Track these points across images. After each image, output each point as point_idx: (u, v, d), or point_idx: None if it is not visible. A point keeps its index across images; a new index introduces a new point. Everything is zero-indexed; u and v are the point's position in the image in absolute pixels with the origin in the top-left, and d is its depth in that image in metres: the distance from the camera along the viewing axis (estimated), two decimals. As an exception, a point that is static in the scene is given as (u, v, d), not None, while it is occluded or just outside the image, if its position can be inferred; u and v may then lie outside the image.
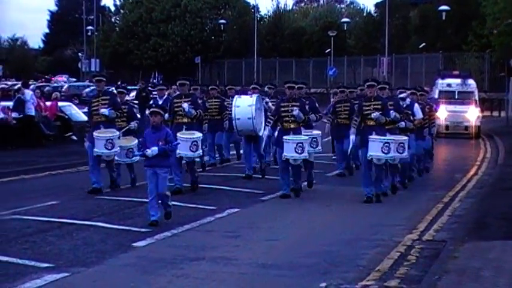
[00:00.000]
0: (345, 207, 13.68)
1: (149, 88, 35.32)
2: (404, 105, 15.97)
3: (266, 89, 18.95)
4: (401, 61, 56.81)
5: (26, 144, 22.21)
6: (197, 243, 10.26)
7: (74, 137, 23.77)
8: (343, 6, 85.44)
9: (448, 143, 28.47)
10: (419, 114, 16.57)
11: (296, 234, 11.30)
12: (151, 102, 18.40)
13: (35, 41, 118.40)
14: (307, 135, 14.87)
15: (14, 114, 22.52)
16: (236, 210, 12.99)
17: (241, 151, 18.58)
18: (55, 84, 54.12)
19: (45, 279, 8.24)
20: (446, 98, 32.47)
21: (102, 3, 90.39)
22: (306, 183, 15.42)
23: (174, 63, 68.83)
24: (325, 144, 18.86)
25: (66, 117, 25.33)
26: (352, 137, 14.11)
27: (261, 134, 16.68)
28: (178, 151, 13.90)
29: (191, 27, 70.07)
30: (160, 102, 16.70)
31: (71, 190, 14.58)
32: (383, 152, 13.68)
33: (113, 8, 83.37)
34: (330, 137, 19.27)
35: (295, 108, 14.22)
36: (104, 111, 14.38)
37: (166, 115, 14.91)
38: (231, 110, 16.69)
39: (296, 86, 15.13)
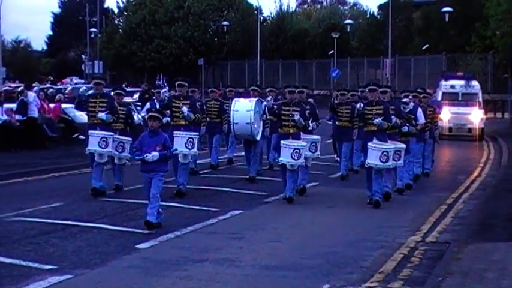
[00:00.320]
0: (348, 209, 13.67)
1: (152, 90, 35.29)
2: (408, 110, 15.89)
3: (268, 91, 18.75)
4: (405, 63, 56.80)
5: (29, 146, 22.24)
6: (200, 244, 10.27)
7: (82, 136, 23.74)
8: (346, 7, 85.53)
9: (451, 145, 28.45)
10: (422, 119, 16.50)
11: (299, 235, 11.30)
12: (149, 105, 18.27)
13: (39, 43, 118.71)
14: (306, 139, 14.61)
15: (17, 117, 22.55)
16: (239, 212, 12.99)
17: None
18: (60, 86, 54.13)
19: (49, 281, 8.24)
20: (450, 100, 32.25)
21: (106, 5, 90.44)
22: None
23: (177, 65, 68.84)
24: (327, 146, 18.87)
25: (70, 119, 25.33)
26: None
27: (258, 139, 16.69)
28: (174, 147, 13.53)
29: (194, 29, 70.08)
30: (158, 105, 16.55)
31: (74, 192, 14.58)
32: (381, 161, 13.55)
33: (116, 10, 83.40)
34: (332, 140, 19.23)
35: (296, 113, 14.05)
36: (102, 115, 14.26)
37: (167, 119, 14.87)
38: (229, 113, 16.59)
39: (297, 90, 14.99)
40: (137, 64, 71.94)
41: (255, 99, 16.67)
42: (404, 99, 16.22)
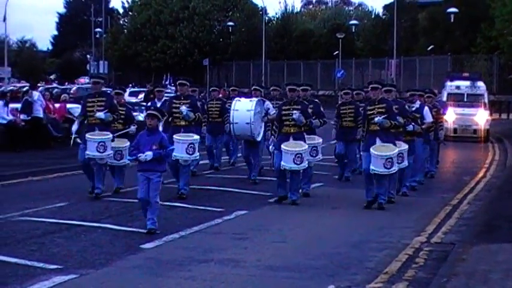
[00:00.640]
0: (353, 210, 13.64)
1: (157, 89, 35.28)
2: (414, 108, 15.79)
3: (271, 90, 18.64)
4: (410, 63, 56.73)
5: (34, 146, 22.26)
6: (205, 245, 10.27)
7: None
8: (351, 8, 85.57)
9: (456, 146, 28.39)
10: (429, 118, 16.27)
11: (304, 236, 11.30)
12: (149, 104, 18.18)
13: (44, 43, 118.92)
14: (308, 143, 14.20)
15: (22, 116, 22.57)
16: (244, 212, 12.99)
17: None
18: (68, 86, 54.22)
19: (54, 281, 8.26)
20: (455, 101, 32.00)
21: (111, 6, 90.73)
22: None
23: (182, 65, 68.91)
24: (331, 147, 18.82)
25: (75, 119, 25.31)
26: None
27: (259, 140, 16.46)
28: (174, 153, 13.41)
29: (199, 30, 70.15)
30: (158, 104, 16.46)
31: (79, 192, 14.56)
32: (385, 168, 13.29)
33: (121, 10, 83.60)
34: (336, 140, 19.04)
35: (295, 111, 13.73)
36: (100, 114, 13.84)
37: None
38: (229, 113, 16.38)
39: (300, 89, 14.77)
40: (142, 64, 72.06)
41: (256, 99, 16.48)
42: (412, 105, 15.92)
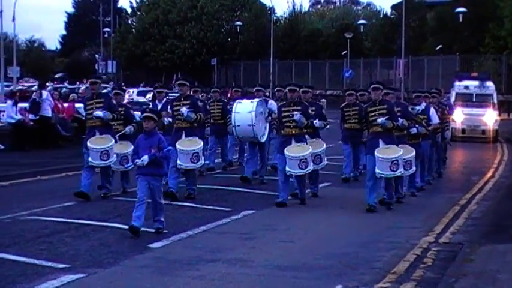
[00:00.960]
0: (360, 209, 13.60)
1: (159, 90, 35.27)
2: (420, 110, 15.67)
3: (275, 91, 18.49)
4: (418, 63, 56.63)
5: (43, 145, 22.33)
6: (213, 244, 10.27)
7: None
8: (359, 8, 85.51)
9: (465, 146, 28.32)
10: (435, 119, 16.13)
11: (311, 236, 11.30)
12: (151, 106, 18.11)
13: (52, 42, 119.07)
14: (312, 152, 13.93)
15: (30, 116, 22.64)
16: (252, 212, 12.99)
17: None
18: (75, 86, 54.31)
19: (62, 280, 8.27)
20: (464, 101, 31.90)
21: (119, 5, 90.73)
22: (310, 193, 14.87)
23: (190, 65, 69.04)
24: (338, 147, 18.78)
25: (83, 118, 25.34)
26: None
27: (263, 141, 16.29)
28: (179, 162, 13.43)
29: (207, 29, 70.24)
30: (159, 106, 16.43)
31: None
32: (392, 170, 13.13)
33: (129, 10, 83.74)
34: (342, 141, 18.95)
35: (296, 112, 13.57)
36: (98, 113, 13.75)
37: (169, 119, 14.74)
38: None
39: (301, 90, 14.61)
40: (150, 64, 72.19)
41: (257, 99, 16.33)
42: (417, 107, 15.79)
